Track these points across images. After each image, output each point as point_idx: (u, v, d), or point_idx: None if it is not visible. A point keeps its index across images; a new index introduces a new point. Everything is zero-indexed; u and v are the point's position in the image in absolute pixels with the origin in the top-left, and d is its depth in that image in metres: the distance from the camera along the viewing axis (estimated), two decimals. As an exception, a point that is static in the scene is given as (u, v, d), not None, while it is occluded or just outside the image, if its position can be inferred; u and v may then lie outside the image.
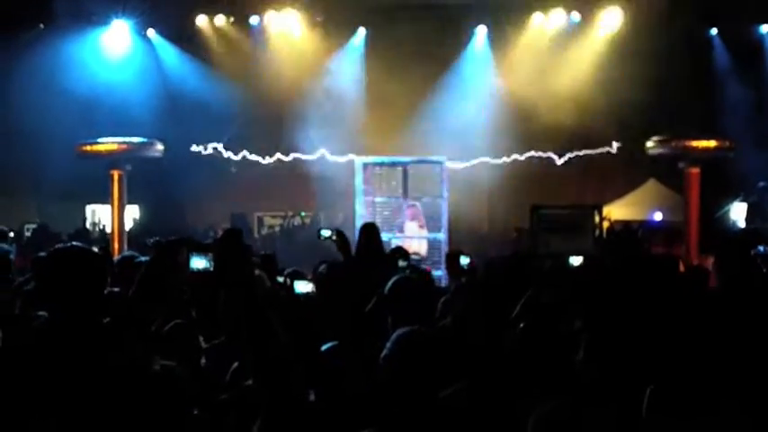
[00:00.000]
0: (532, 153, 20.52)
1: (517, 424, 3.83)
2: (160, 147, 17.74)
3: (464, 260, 8.71)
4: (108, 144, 17.39)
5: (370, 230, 8.02)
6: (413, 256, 11.25)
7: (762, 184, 17.42)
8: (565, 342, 4.74)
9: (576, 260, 5.90)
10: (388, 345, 3.81)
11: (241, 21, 21.54)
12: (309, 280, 5.53)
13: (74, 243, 3.98)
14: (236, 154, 20.61)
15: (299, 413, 3.22)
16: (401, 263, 7.66)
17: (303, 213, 21.29)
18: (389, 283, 5.51)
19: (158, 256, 3.94)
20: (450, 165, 17.38)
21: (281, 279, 6.88)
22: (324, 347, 4.54)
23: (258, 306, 3.08)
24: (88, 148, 17.46)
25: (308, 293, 5.30)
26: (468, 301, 5.96)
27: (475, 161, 19.38)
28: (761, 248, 12.08)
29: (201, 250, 3.22)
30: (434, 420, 3.70)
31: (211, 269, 3.09)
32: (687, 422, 3.89)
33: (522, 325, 4.86)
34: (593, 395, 4.02)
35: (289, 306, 5.35)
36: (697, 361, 4.59)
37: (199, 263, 3.19)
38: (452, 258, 9.16)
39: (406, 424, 3.71)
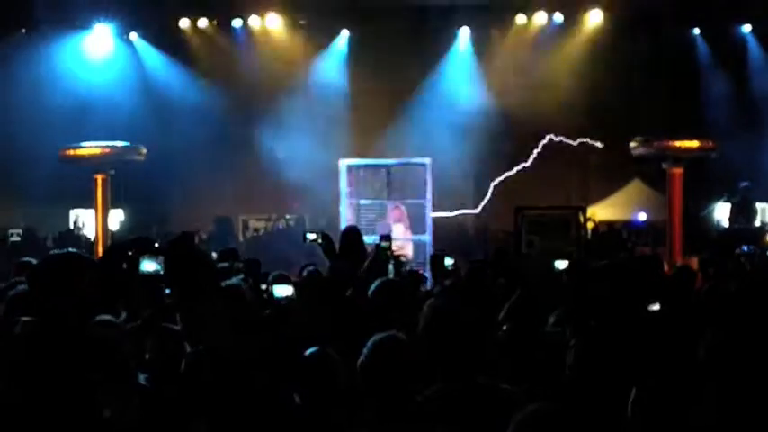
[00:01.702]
0: (516, 153, 20.52)
1: (500, 425, 3.83)
2: (143, 151, 17.67)
3: (448, 261, 8.69)
4: (91, 148, 17.32)
5: (351, 234, 8.00)
6: (401, 259, 11.21)
7: (744, 183, 17.48)
8: (548, 344, 4.75)
9: (561, 264, 5.89)
10: (365, 350, 3.82)
11: (224, 24, 21.49)
12: (290, 283, 5.51)
13: (69, 249, 3.99)
14: (221, 157, 20.54)
15: (249, 415, 3.19)
16: (383, 243, 7.52)
17: (288, 216, 21.24)
18: (373, 286, 5.50)
19: (109, 257, 3.89)
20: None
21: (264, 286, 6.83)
22: (308, 352, 4.53)
23: (211, 308, 3.04)
24: (71, 152, 17.38)
25: (288, 297, 5.28)
26: (446, 302, 5.95)
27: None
28: (745, 248, 12.17)
29: (152, 253, 3.18)
30: (413, 423, 3.69)
31: (162, 272, 3.04)
32: (670, 421, 3.90)
33: (505, 327, 4.87)
34: (578, 396, 4.02)
35: (271, 311, 5.34)
36: (681, 360, 4.61)
37: (149, 266, 3.14)
38: (437, 260, 9.15)
39: (386, 427, 3.71)
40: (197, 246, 3.13)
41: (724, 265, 6.65)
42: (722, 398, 4.16)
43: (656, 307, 6.37)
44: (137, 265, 3.23)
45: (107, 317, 4.68)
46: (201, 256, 2.95)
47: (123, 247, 3.77)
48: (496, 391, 4.02)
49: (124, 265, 4.27)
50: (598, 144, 20.30)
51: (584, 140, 20.37)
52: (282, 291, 5.30)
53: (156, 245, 3.55)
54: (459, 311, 4.28)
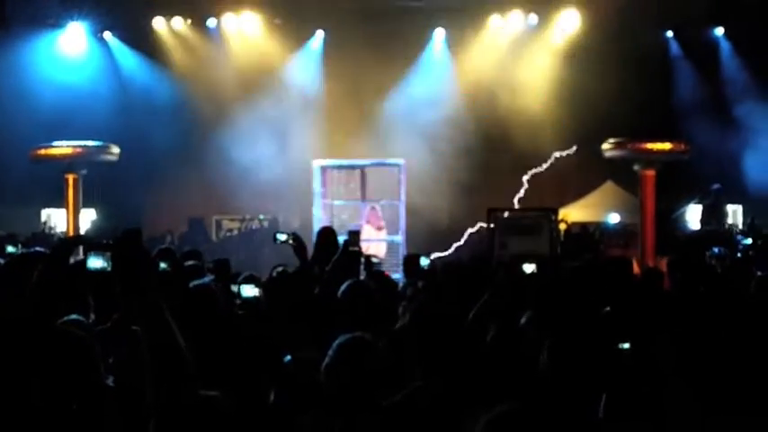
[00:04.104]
0: (491, 155, 20.54)
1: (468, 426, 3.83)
2: (116, 150, 17.57)
3: (424, 261, 8.69)
4: (62, 148, 17.20)
5: (327, 235, 7.98)
6: (372, 260, 11.21)
7: (716, 186, 17.60)
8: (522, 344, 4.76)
9: (528, 267, 5.89)
10: (330, 352, 3.78)
11: (198, 23, 21.42)
12: (257, 284, 5.52)
13: (37, 248, 4.00)
14: (194, 156, 20.44)
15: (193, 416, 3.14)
16: (349, 239, 7.51)
17: (261, 216, 21.18)
18: (342, 288, 5.50)
19: (54, 255, 3.84)
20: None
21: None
22: (288, 357, 4.52)
23: (156, 310, 2.99)
24: (43, 152, 17.26)
25: (255, 297, 5.29)
26: (425, 302, 5.96)
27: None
28: (716, 250, 12.24)
29: (99, 249, 3.13)
30: (379, 426, 3.68)
31: (109, 269, 2.98)
32: (643, 423, 3.93)
33: (492, 333, 4.87)
34: (550, 397, 4.03)
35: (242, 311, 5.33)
36: (652, 362, 4.62)
37: (96, 262, 3.09)
38: (412, 261, 9.14)
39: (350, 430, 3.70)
40: (143, 242, 3.08)
41: (692, 267, 6.68)
42: (686, 398, 4.19)
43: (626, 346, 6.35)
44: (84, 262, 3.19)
45: (75, 317, 4.66)
46: (147, 252, 2.89)
47: (69, 244, 3.73)
48: (467, 392, 4.01)
49: (71, 261, 4.23)
50: (572, 146, 20.34)
51: (559, 142, 20.44)
52: (249, 291, 5.32)
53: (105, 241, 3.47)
54: (445, 311, 4.27)
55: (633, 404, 4.12)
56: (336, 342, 3.80)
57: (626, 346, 5.24)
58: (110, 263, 2.94)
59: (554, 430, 3.25)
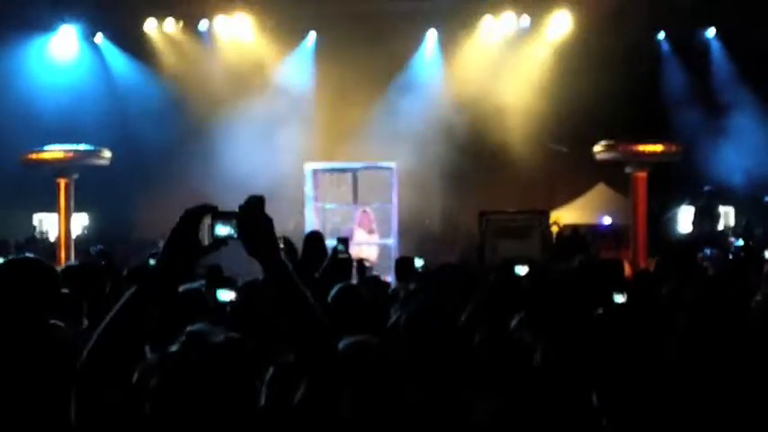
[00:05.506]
0: (483, 157, 20.53)
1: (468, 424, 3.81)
2: (107, 154, 17.52)
3: (418, 262, 8.68)
4: (54, 152, 17.15)
5: (314, 239, 7.94)
6: (365, 263, 11.20)
7: (708, 187, 17.61)
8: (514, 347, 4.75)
9: (521, 269, 5.88)
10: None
11: (191, 25, 21.39)
12: (234, 289, 5.52)
13: (27, 255, 4.05)
14: (186, 160, 20.39)
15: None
16: (339, 246, 7.51)
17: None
18: (332, 292, 5.47)
19: (181, 227, 3.80)
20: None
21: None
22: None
23: (284, 268, 3.08)
24: (34, 156, 17.22)
25: (231, 302, 5.29)
26: (424, 302, 5.92)
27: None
28: (707, 251, 12.25)
29: (226, 218, 3.25)
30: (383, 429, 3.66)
31: (236, 235, 3.12)
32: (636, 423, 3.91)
33: (482, 336, 4.85)
34: (546, 395, 4.02)
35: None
36: (641, 362, 4.61)
37: (223, 230, 3.21)
38: (405, 264, 9.12)
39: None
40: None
41: (684, 270, 6.67)
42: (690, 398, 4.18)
43: (621, 299, 6.36)
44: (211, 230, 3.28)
45: (59, 323, 4.64)
46: (270, 218, 3.04)
47: (198, 214, 3.68)
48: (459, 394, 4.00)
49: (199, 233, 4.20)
50: (564, 149, 20.35)
51: (550, 144, 20.45)
52: (225, 295, 5.33)
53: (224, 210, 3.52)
54: (442, 312, 4.25)
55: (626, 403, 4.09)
56: (342, 345, 3.78)
57: (620, 299, 5.22)
58: (236, 229, 3.09)
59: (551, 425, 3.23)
